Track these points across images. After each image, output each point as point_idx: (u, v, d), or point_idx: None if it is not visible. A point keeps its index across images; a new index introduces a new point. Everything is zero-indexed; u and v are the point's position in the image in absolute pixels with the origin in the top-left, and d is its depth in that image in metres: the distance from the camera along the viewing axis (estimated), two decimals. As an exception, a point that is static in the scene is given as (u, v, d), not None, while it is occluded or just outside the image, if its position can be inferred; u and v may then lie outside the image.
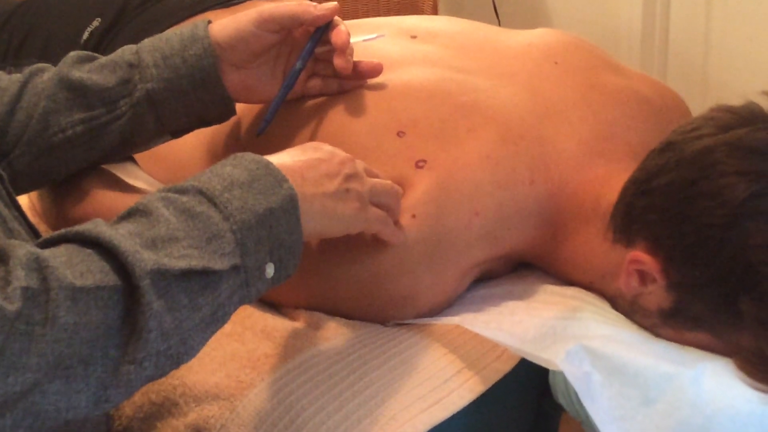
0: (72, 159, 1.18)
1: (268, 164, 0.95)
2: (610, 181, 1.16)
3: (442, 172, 1.13)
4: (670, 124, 1.16)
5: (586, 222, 1.17)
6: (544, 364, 1.05)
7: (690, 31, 2.39)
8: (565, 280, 1.21)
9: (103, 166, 1.28)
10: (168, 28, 1.52)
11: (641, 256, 1.07)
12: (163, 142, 1.22)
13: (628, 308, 1.13)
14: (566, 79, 1.26)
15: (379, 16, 1.55)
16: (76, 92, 1.15)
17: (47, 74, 1.18)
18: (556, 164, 1.18)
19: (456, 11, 3.06)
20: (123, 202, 1.22)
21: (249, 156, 0.95)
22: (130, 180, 1.30)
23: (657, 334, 1.11)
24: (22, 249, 0.79)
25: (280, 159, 0.97)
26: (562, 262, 1.21)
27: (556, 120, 1.21)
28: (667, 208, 1.06)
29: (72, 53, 1.19)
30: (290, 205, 0.93)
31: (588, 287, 1.18)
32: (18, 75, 1.18)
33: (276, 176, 0.94)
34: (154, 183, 1.34)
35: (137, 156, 1.35)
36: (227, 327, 0.93)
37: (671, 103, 1.33)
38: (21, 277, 0.76)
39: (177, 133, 1.20)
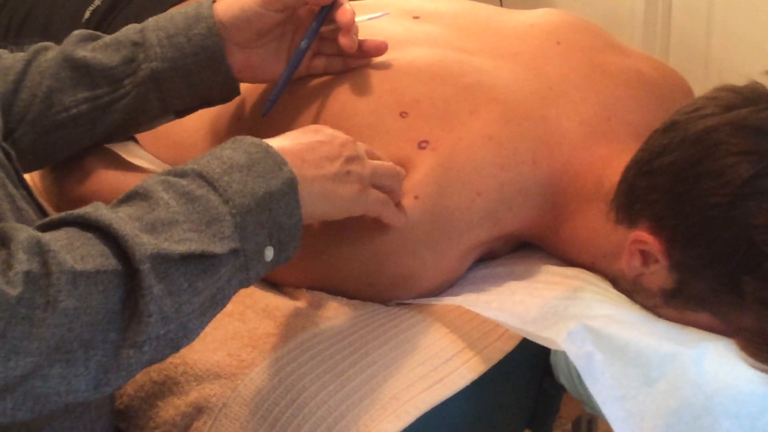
0: (76, 138, 1.18)
1: (268, 147, 0.94)
2: (612, 161, 1.16)
3: (445, 153, 1.13)
4: (673, 104, 1.16)
5: (588, 202, 1.17)
6: (545, 344, 1.05)
7: (692, 11, 2.39)
8: (567, 260, 1.21)
9: (105, 146, 1.27)
10: (171, 6, 1.51)
11: (644, 236, 1.07)
12: (167, 122, 1.21)
13: (630, 288, 1.13)
14: (569, 59, 1.26)
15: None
16: (80, 71, 1.15)
17: (51, 53, 1.17)
18: (559, 144, 1.18)
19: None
20: (125, 181, 1.22)
21: (248, 139, 0.95)
22: (132, 159, 1.30)
23: (659, 315, 1.11)
24: (24, 232, 0.79)
25: (279, 142, 0.97)
26: (564, 243, 1.21)
27: (559, 100, 1.20)
28: (670, 188, 1.06)
29: (76, 32, 1.19)
30: (290, 188, 0.93)
31: (590, 267, 1.18)
32: (22, 54, 1.18)
33: (275, 159, 0.93)
34: (156, 162, 1.34)
35: (139, 135, 1.34)
36: (228, 306, 0.93)
37: (674, 84, 1.33)
38: (23, 261, 0.76)
39: (180, 113, 1.20)
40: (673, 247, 1.06)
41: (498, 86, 1.20)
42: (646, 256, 1.09)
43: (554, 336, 1.03)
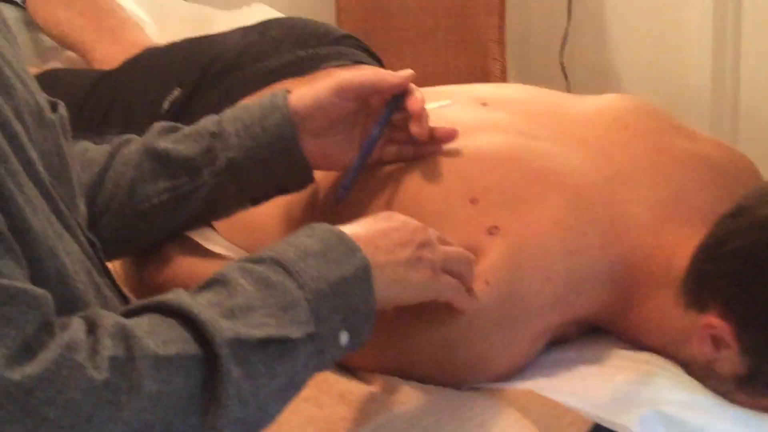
0: (157, 227, 1.22)
1: (341, 234, 0.97)
2: (681, 245, 1.17)
3: (514, 239, 1.14)
4: (741, 188, 1.16)
5: (657, 287, 1.18)
6: (618, 430, 1.05)
7: (761, 92, 2.39)
8: (638, 344, 1.21)
9: (184, 233, 1.30)
10: (246, 96, 1.55)
11: (714, 321, 1.07)
12: (243, 210, 1.25)
13: (702, 373, 1.13)
14: (636, 144, 1.27)
15: (450, 81, 1.57)
16: (161, 162, 1.19)
17: (134, 145, 1.22)
18: (627, 229, 1.19)
19: (525, 75, 3.09)
20: (203, 267, 1.25)
21: (322, 226, 0.98)
22: (209, 246, 1.33)
23: (732, 400, 1.11)
24: (109, 319, 0.82)
25: (353, 229, 0.99)
26: (634, 327, 1.21)
27: (627, 185, 1.21)
28: (739, 273, 1.06)
29: (157, 124, 1.23)
30: (363, 274, 0.95)
31: (661, 352, 1.18)
32: (106, 146, 1.23)
33: (349, 245, 0.96)
34: (232, 248, 1.37)
35: (215, 222, 1.37)
36: (304, 391, 0.94)
37: (742, 167, 1.33)
38: (108, 347, 0.79)
39: (256, 201, 1.23)
40: (744, 332, 1.05)
41: (566, 171, 1.21)
42: (716, 341, 1.08)
43: (626, 422, 1.03)
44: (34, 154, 0.89)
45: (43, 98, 1.00)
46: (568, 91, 2.87)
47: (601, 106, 1.35)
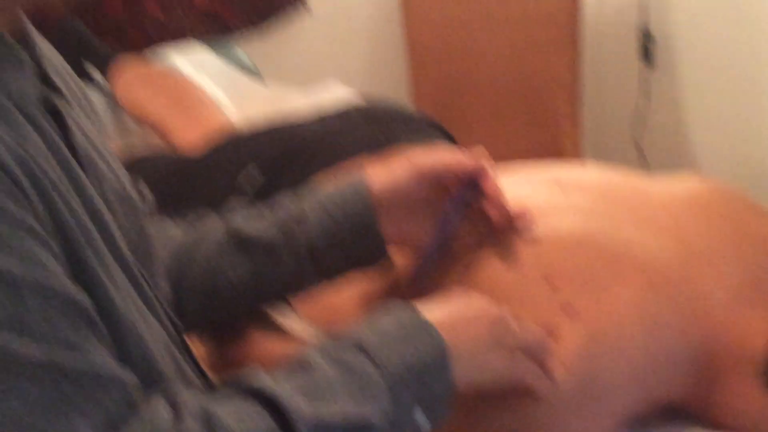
0: (236, 307, 1.23)
1: (420, 317, 0.98)
2: (761, 328, 1.15)
3: (592, 321, 1.14)
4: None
5: (737, 370, 1.16)
6: None
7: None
8: (719, 427, 1.19)
9: (262, 310, 1.32)
10: (321, 171, 1.57)
11: (796, 405, 1.06)
12: (317, 286, 1.26)
13: (786, 459, 1.11)
14: (713, 227, 1.26)
15: (523, 158, 1.58)
16: (242, 244, 1.20)
17: (213, 224, 1.24)
18: (705, 312, 1.18)
19: (599, 152, 3.08)
20: (280, 346, 1.26)
21: (401, 308, 0.99)
22: (287, 324, 1.34)
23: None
24: (191, 398, 0.83)
25: (431, 311, 1.00)
26: (714, 410, 1.19)
27: (705, 268, 1.20)
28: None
29: (237, 204, 1.25)
30: (441, 357, 0.96)
31: (742, 436, 1.16)
32: (186, 225, 1.25)
33: (428, 329, 0.97)
34: (310, 327, 1.37)
35: (293, 301, 1.39)
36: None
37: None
38: (191, 427, 0.80)
39: (331, 278, 1.25)
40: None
41: (643, 254, 1.20)
42: (800, 426, 1.07)
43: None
44: (118, 234, 0.91)
45: (126, 178, 1.03)
46: (645, 168, 2.85)
47: (679, 189, 1.34)
